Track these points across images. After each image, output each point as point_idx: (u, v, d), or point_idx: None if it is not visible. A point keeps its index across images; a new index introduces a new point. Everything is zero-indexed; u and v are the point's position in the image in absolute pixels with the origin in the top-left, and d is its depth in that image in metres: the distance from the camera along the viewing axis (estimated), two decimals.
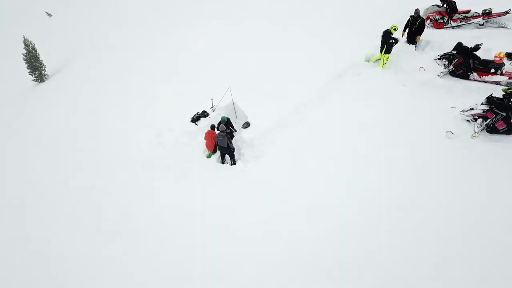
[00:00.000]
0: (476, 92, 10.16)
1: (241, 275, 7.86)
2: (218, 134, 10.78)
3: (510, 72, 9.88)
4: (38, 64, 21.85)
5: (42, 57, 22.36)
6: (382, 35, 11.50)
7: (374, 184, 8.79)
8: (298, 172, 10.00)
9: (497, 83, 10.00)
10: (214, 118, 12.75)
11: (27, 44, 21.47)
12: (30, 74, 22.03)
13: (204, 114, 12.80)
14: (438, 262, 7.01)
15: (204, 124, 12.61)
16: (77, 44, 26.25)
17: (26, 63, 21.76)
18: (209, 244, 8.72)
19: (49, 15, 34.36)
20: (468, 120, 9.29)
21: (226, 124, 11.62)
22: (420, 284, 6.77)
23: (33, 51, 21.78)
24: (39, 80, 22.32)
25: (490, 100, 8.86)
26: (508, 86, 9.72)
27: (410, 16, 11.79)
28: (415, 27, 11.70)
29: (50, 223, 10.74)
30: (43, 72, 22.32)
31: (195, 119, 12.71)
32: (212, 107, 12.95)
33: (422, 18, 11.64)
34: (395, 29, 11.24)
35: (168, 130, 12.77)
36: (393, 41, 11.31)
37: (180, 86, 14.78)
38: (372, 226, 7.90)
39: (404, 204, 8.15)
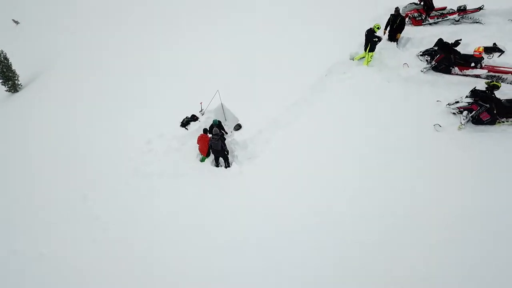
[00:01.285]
0: (458, 86, 10.62)
1: (243, 278, 8.00)
2: (212, 137, 10.79)
3: (488, 66, 10.39)
4: (11, 74, 21.02)
5: (14, 67, 21.51)
6: (365, 34, 11.85)
7: (369, 182, 9.08)
8: (294, 172, 10.15)
9: (478, 76, 10.50)
10: (204, 122, 12.75)
11: None
12: (2, 85, 21.16)
13: (194, 118, 12.76)
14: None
15: (195, 128, 12.58)
16: (50, 51, 25.44)
17: None
18: (212, 249, 8.78)
19: (16, 22, 33.06)
20: (454, 113, 9.72)
21: (218, 127, 11.66)
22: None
23: (5, 61, 20.95)
24: (13, 91, 21.48)
25: (474, 93, 9.30)
26: (488, 79, 10.23)
27: (391, 14, 12.19)
28: (396, 25, 12.10)
29: (41, 236, 10.45)
30: (16, 82, 21.47)
31: (185, 124, 12.64)
32: (201, 111, 12.92)
33: (403, 16, 12.05)
34: (378, 28, 11.60)
35: (158, 136, 12.63)
36: (377, 39, 11.68)
37: (165, 90, 14.64)
38: (369, 226, 8.15)
39: (401, 198, 8.46)
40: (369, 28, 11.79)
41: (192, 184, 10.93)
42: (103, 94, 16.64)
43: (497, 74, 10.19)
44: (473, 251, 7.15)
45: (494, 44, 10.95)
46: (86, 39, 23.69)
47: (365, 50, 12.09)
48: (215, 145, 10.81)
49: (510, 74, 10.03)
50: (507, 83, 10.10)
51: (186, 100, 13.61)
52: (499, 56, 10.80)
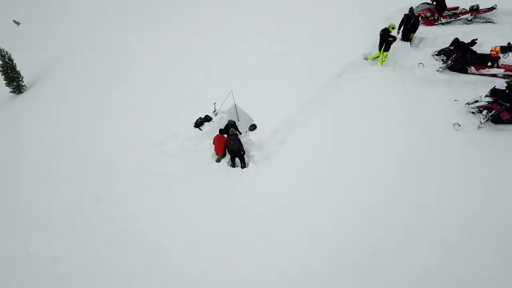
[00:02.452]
0: (474, 85, 10.66)
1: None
2: (229, 137, 10.75)
3: (505, 65, 10.43)
4: (15, 75, 20.84)
5: (19, 68, 21.34)
6: (380, 34, 11.88)
7: (387, 182, 9.06)
8: (312, 172, 10.11)
9: (494, 75, 10.54)
10: (217, 123, 12.69)
11: (2, 54, 20.45)
12: (7, 86, 20.98)
13: (207, 118, 12.71)
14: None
15: (208, 129, 12.53)
16: (53, 51, 25.27)
17: (2, 74, 20.69)
18: (235, 258, 8.63)
19: (17, 23, 32.82)
20: (472, 112, 9.74)
21: (233, 128, 11.64)
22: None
23: (10, 62, 20.77)
24: (17, 92, 21.31)
25: (494, 92, 9.34)
26: (505, 78, 10.27)
27: (405, 14, 12.21)
28: (409, 24, 12.12)
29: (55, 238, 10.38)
30: (20, 83, 21.30)
31: (199, 124, 12.58)
32: (215, 111, 12.86)
33: (416, 16, 12.08)
34: (393, 28, 11.65)
35: (171, 137, 12.57)
36: (391, 39, 11.71)
37: (177, 91, 14.57)
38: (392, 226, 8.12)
39: (422, 198, 8.45)
40: (383, 28, 11.84)
41: (209, 185, 10.86)
42: (110, 95, 16.55)
43: None
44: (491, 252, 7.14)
45: (509, 43, 11.01)
46: (91, 39, 23.52)
47: (380, 49, 12.12)
48: (232, 145, 10.77)
49: None
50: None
51: (197, 101, 13.56)
52: (506, 56, 10.83)
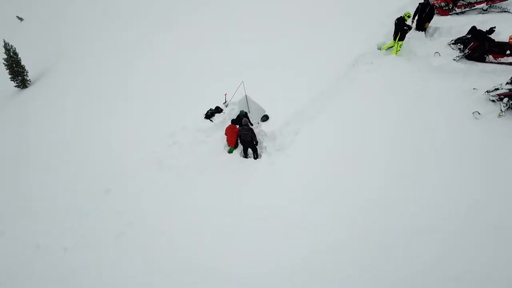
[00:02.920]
0: (492, 74, 10.42)
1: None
2: (242, 128, 10.57)
3: None
4: (20, 69, 20.63)
5: (24, 62, 21.15)
6: (395, 23, 11.65)
7: (410, 171, 8.89)
8: (325, 164, 9.93)
9: None
10: (228, 114, 12.52)
11: (7, 48, 20.25)
12: (11, 80, 20.79)
13: (218, 110, 12.50)
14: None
15: (219, 120, 12.36)
16: (57, 46, 25.09)
17: (7, 69, 20.49)
18: (250, 252, 8.54)
19: (21, 19, 32.64)
20: (493, 100, 9.51)
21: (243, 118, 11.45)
22: None
23: (14, 56, 20.57)
24: (22, 86, 21.11)
25: None
26: None
27: (420, 3, 12.00)
28: (424, 14, 11.90)
29: (64, 230, 10.25)
30: (25, 77, 21.11)
31: (209, 115, 12.38)
32: (225, 103, 12.67)
33: (432, 5, 11.85)
34: (408, 16, 11.43)
35: (182, 129, 12.36)
36: (407, 28, 11.48)
37: (185, 83, 14.34)
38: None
39: (442, 188, 8.31)
40: (399, 16, 11.60)
41: (222, 176, 10.73)
42: (117, 89, 16.33)
43: None
44: None
45: None
46: (97, 35, 23.31)
47: (394, 39, 11.89)
48: (244, 135, 10.59)
49: None
50: None
51: (207, 93, 13.32)
52: None
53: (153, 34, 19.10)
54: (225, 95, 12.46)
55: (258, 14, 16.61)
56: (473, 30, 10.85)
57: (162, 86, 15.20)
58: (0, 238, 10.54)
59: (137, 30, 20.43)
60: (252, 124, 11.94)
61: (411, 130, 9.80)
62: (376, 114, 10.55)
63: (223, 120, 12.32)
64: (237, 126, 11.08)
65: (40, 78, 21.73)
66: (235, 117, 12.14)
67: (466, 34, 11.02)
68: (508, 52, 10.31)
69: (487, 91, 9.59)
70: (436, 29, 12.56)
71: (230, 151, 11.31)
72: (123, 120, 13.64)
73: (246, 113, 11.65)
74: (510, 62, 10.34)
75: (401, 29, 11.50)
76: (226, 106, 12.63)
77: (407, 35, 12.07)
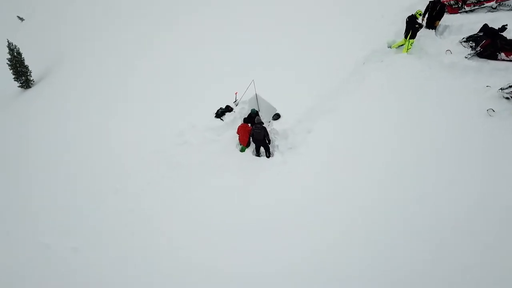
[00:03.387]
0: (505, 71, 10.46)
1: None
2: (255, 126, 10.57)
3: None
4: (24, 70, 20.50)
5: (27, 62, 21.01)
6: (407, 21, 11.66)
7: (425, 170, 8.91)
8: (339, 163, 9.93)
9: None
10: (238, 113, 12.49)
11: (11, 48, 20.11)
12: (15, 80, 20.65)
13: (228, 109, 12.46)
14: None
15: (230, 119, 12.31)
16: (59, 45, 24.90)
17: (10, 69, 20.35)
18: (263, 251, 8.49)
19: (21, 19, 32.45)
20: (507, 98, 9.53)
21: (254, 117, 11.46)
22: None
23: (18, 56, 20.44)
24: (25, 86, 20.99)
25: None
26: None
27: (430, 1, 12.01)
28: (435, 12, 11.91)
29: (73, 229, 10.19)
30: (29, 77, 20.97)
31: (220, 114, 12.32)
32: (235, 101, 12.63)
33: (442, 3, 11.87)
34: (420, 14, 11.44)
35: (190, 128, 12.26)
36: (418, 26, 11.49)
37: (186, 83, 14.16)
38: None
39: (456, 184, 8.36)
40: (410, 14, 11.62)
41: (234, 174, 10.71)
42: (123, 89, 16.18)
43: None
44: None
45: None
46: (96, 34, 23.12)
47: (405, 37, 11.90)
48: (257, 134, 10.58)
49: None
50: None
51: (206, 93, 13.28)
52: None
53: (153, 34, 18.81)
54: (236, 93, 12.42)
55: (258, 14, 16.45)
56: (485, 27, 10.88)
57: (162, 86, 14.89)
58: (6, 238, 10.39)
59: (137, 30, 20.13)
60: (263, 123, 11.92)
61: (424, 128, 9.79)
62: (387, 113, 10.53)
63: (234, 119, 12.29)
64: (249, 125, 11.06)
65: (44, 78, 21.55)
66: (245, 116, 12.16)
67: (478, 32, 11.05)
68: None
69: (501, 89, 9.61)
70: (446, 27, 12.59)
71: (242, 150, 11.28)
72: (131, 119, 13.50)
73: (257, 111, 11.63)
74: None
75: (412, 27, 11.51)
76: (236, 105, 12.58)
77: (418, 33, 12.05)
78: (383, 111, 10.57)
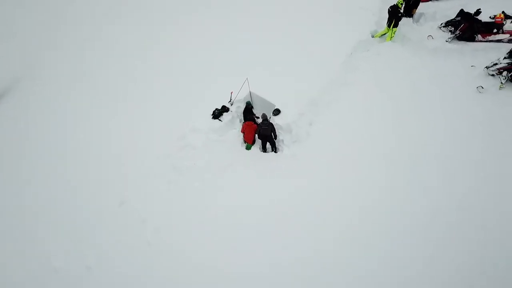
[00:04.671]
0: (484, 52, 11.44)
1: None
2: (262, 123, 10.65)
3: (509, 30, 11.29)
4: None
5: None
6: (389, 10, 12.31)
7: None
8: (347, 152, 10.26)
9: (499, 41, 11.37)
10: (235, 112, 12.46)
11: None
12: None
13: (225, 109, 12.38)
14: None
15: (228, 119, 12.21)
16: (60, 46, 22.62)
17: None
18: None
19: None
20: (492, 75, 10.43)
21: (250, 110, 11.73)
22: None
23: None
24: None
25: None
26: (510, 42, 11.12)
27: None
28: (412, 1, 12.67)
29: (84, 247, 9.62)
30: None
31: (217, 115, 12.22)
32: (230, 101, 12.59)
33: None
34: (401, 4, 12.10)
35: (191, 131, 12.01)
36: (401, 15, 12.16)
37: (185, 85, 13.62)
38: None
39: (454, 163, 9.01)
40: (392, 5, 12.25)
41: (245, 173, 10.61)
42: (120, 101, 15.09)
43: None
44: None
45: (503, 12, 11.85)
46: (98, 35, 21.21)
47: (388, 26, 12.54)
48: (265, 130, 10.66)
49: None
50: None
51: (210, 93, 13.02)
52: (511, 22, 11.70)
53: (153, 34, 17.82)
54: (231, 93, 12.36)
55: (252, 13, 16.28)
56: (462, 12, 11.77)
57: (162, 86, 14.35)
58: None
59: (137, 30, 18.85)
60: (258, 117, 11.98)
61: (424, 109, 10.42)
62: (385, 99, 11.07)
63: (232, 119, 12.23)
64: (254, 123, 11.17)
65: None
66: (243, 113, 12.20)
67: (455, 17, 11.91)
68: (494, 30, 11.32)
69: (486, 67, 10.49)
70: (421, 14, 13.44)
71: (248, 148, 11.30)
72: (123, 122, 12.70)
73: (251, 103, 11.76)
74: (498, 40, 11.35)
75: (395, 16, 12.16)
76: (232, 105, 12.54)
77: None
78: (381, 100, 11.08)
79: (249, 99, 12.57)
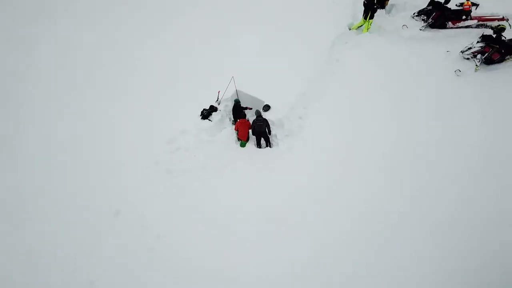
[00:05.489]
0: (455, 38, 12.24)
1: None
2: (257, 119, 10.71)
3: (476, 16, 12.14)
4: None
5: None
6: (364, 3, 12.80)
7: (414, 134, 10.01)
8: (342, 143, 10.52)
9: (469, 26, 12.18)
10: (224, 111, 12.40)
11: None
12: None
13: (214, 108, 12.29)
14: None
15: (218, 118, 12.13)
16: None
17: None
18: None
19: None
20: (467, 58, 11.15)
21: (240, 107, 11.76)
22: None
23: None
24: None
25: (485, 37, 10.88)
26: (479, 27, 11.97)
27: None
28: None
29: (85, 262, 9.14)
30: None
31: (207, 115, 12.10)
32: (217, 101, 12.52)
33: None
34: None
35: (181, 133, 11.77)
36: (377, 6, 12.67)
37: (173, 88, 13.23)
38: None
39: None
40: None
41: (244, 171, 10.55)
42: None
43: (485, 23, 11.93)
44: None
45: None
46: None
47: (365, 18, 13.00)
48: (259, 126, 10.74)
49: (495, 21, 11.82)
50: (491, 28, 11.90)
51: (197, 94, 12.77)
52: (475, 9, 12.58)
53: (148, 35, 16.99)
54: (219, 92, 12.29)
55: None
56: (432, 1, 12.46)
57: (152, 94, 13.73)
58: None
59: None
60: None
61: (408, 96, 10.94)
62: (373, 87, 11.47)
63: (221, 118, 12.15)
64: (247, 119, 11.18)
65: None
66: (230, 113, 12.19)
67: (427, 6, 12.59)
68: (464, 17, 12.09)
69: (461, 51, 11.19)
70: (392, 5, 14.08)
71: (242, 145, 11.28)
72: (116, 133, 12.19)
73: (239, 100, 11.77)
74: (467, 26, 12.15)
75: (371, 8, 12.63)
76: (219, 104, 12.47)
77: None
78: (368, 89, 11.47)
79: (236, 97, 12.55)
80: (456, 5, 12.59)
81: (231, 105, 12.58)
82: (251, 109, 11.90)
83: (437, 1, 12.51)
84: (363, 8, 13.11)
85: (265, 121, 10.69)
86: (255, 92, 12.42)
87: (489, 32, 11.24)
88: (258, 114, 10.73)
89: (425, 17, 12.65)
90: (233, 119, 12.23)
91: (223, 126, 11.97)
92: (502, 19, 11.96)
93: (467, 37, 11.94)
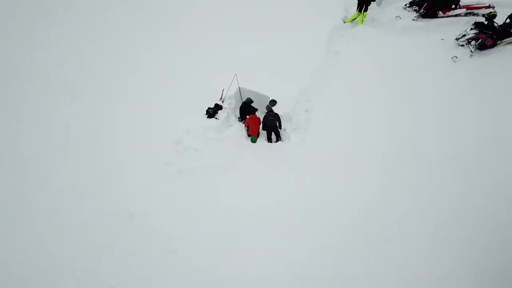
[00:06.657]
0: (446, 26, 12.76)
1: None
2: (268, 114, 10.81)
3: (465, 5, 12.76)
4: None
5: None
6: None
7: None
8: (353, 135, 10.71)
9: (458, 15, 12.77)
10: (229, 108, 12.40)
11: None
12: None
13: (219, 107, 12.25)
14: None
15: (224, 116, 12.12)
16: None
17: None
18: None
19: None
20: (462, 45, 11.70)
21: (250, 105, 11.78)
22: None
23: None
24: None
25: (478, 24, 11.47)
26: (467, 16, 12.59)
27: None
28: None
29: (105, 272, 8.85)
30: None
31: (212, 114, 12.05)
32: (221, 98, 12.49)
33: None
34: None
35: (187, 133, 11.63)
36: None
37: (174, 85, 12.97)
38: None
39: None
40: None
41: (249, 168, 10.52)
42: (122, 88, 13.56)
43: (473, 11, 12.57)
44: None
45: None
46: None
47: (359, 11, 13.34)
48: (271, 121, 10.87)
49: (482, 8, 12.47)
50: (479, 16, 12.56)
51: (201, 93, 12.68)
52: None
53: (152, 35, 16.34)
54: (222, 90, 12.27)
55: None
56: None
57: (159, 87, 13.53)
58: None
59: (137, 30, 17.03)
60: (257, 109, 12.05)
61: (408, 85, 11.31)
62: (374, 78, 11.76)
63: (227, 116, 12.14)
64: (256, 114, 11.24)
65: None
66: (237, 111, 12.21)
67: None
68: (453, 6, 12.67)
69: (456, 39, 11.72)
70: None
71: (253, 141, 11.33)
72: (120, 135, 11.88)
73: (252, 100, 11.79)
74: (456, 14, 12.74)
75: (365, 1, 12.98)
76: (223, 102, 12.45)
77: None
78: (370, 80, 11.71)
79: (240, 95, 12.56)
80: None
81: (235, 102, 12.60)
82: (257, 110, 11.91)
83: None
84: (355, 1, 13.40)
85: (277, 115, 10.79)
86: (258, 88, 12.44)
87: (481, 19, 11.81)
88: (269, 109, 10.79)
89: (417, 8, 13.15)
90: (239, 116, 12.21)
91: (229, 124, 11.95)
92: (488, 6, 12.62)
93: (457, 25, 12.50)
